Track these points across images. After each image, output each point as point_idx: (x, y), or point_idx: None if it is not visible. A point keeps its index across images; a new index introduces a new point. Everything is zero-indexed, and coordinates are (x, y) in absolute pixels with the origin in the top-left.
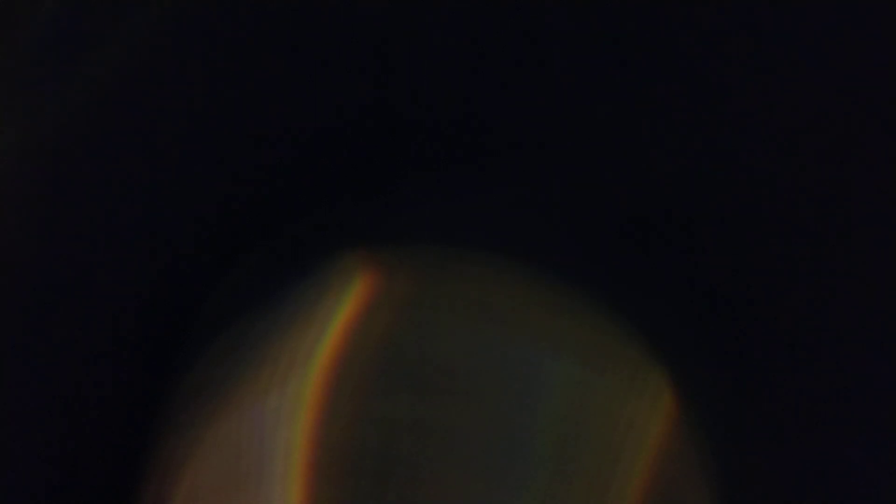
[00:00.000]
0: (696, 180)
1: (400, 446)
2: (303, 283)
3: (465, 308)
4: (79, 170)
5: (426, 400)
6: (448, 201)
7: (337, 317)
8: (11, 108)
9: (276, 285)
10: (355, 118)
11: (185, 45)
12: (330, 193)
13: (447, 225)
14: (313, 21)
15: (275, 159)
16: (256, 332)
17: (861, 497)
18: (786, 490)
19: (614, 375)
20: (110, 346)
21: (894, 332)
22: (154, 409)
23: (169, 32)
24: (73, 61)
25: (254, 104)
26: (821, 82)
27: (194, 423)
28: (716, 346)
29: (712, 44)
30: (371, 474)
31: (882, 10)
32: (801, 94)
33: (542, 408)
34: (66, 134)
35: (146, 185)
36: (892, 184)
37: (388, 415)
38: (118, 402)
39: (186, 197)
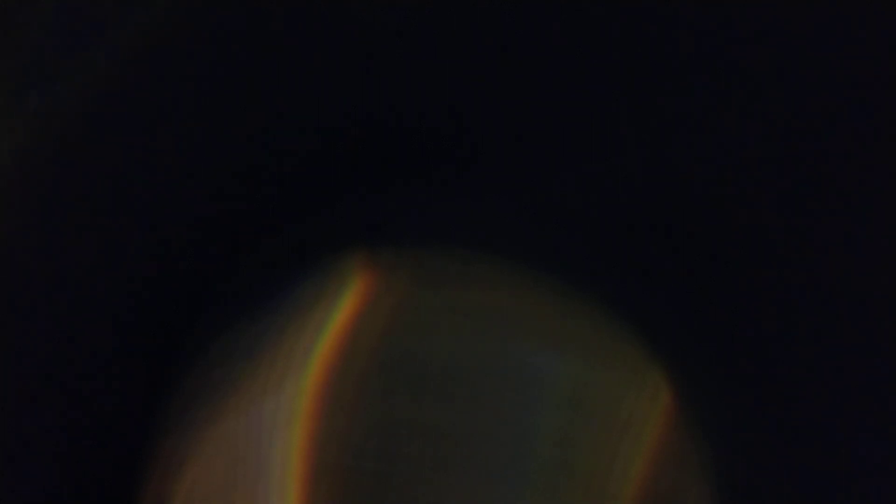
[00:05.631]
0: (696, 182)
1: (399, 446)
2: (302, 283)
3: (464, 308)
4: (79, 170)
5: (426, 400)
6: (448, 202)
7: (336, 317)
8: (11, 108)
9: (276, 286)
10: (356, 119)
11: (185, 46)
12: (330, 194)
13: (447, 226)
14: (315, 22)
15: (275, 160)
16: (256, 332)
17: (861, 496)
18: (785, 488)
19: (614, 375)
20: (111, 346)
21: (894, 331)
22: (154, 409)
23: (169, 32)
24: (73, 61)
25: (254, 106)
26: (821, 82)
27: (194, 424)
28: (715, 345)
29: (711, 45)
30: (371, 475)
31: (882, 10)
32: (798, 95)
33: (541, 407)
34: (67, 134)
35: (146, 186)
36: (891, 184)
37: (387, 415)
38: (118, 402)
39: (186, 198)
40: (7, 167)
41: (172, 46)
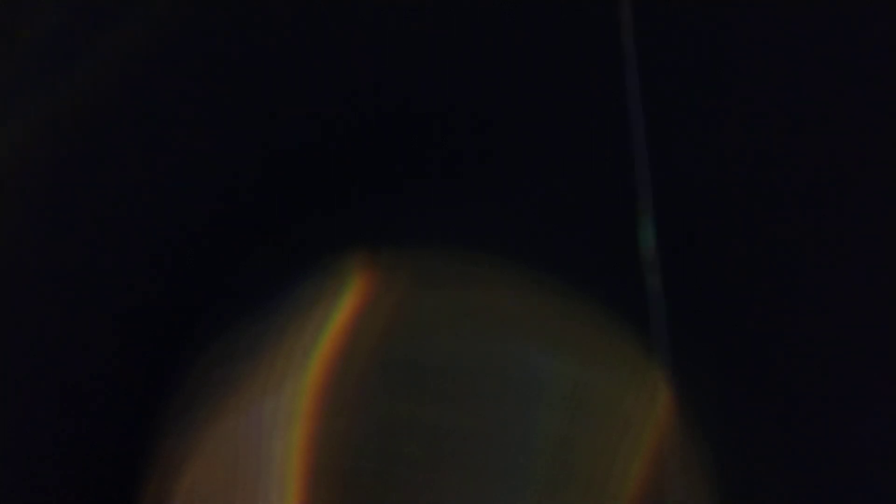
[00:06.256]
0: (696, 182)
1: (399, 446)
2: (303, 283)
3: (464, 308)
4: (79, 170)
5: (426, 400)
6: (448, 203)
7: (336, 317)
8: (11, 108)
9: (276, 286)
10: (356, 120)
11: (185, 46)
12: (331, 195)
13: (447, 226)
14: (316, 22)
15: (276, 161)
16: (256, 332)
17: (861, 496)
18: (785, 488)
19: (614, 375)
20: (111, 346)
21: (894, 331)
22: (154, 409)
23: (169, 33)
24: (72, 62)
25: (254, 106)
26: (821, 82)
27: (194, 424)
28: (716, 345)
29: (712, 45)
30: (371, 475)
31: (882, 10)
32: (799, 95)
33: (541, 408)
34: (67, 134)
35: (146, 187)
36: (891, 184)
37: (387, 415)
38: (118, 402)
39: (187, 198)
40: (7, 167)
41: (172, 46)
